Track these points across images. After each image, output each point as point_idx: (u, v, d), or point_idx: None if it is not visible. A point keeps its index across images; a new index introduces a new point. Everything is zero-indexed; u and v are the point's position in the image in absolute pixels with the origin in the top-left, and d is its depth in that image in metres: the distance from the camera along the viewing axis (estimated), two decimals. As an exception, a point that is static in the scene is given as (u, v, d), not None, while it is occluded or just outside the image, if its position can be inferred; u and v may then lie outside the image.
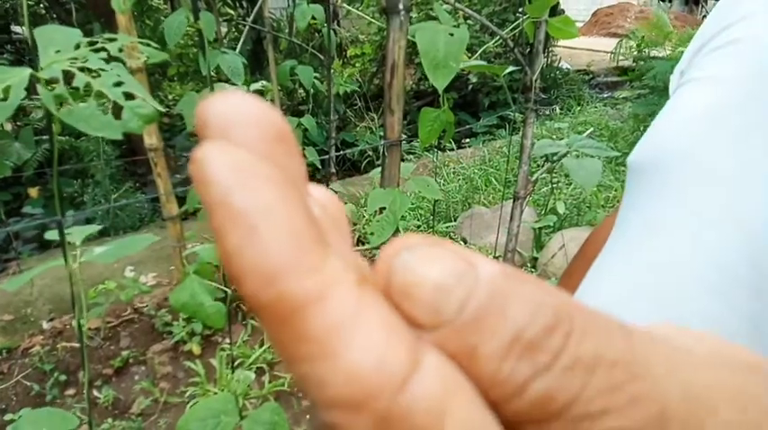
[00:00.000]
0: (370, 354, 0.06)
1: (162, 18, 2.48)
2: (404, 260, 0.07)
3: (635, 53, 4.34)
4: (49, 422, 0.50)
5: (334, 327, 0.06)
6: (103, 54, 0.41)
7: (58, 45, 0.41)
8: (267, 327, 0.07)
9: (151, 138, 1.52)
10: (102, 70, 0.40)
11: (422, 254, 0.07)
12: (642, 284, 0.26)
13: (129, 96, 0.40)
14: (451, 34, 0.72)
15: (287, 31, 2.14)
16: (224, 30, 1.96)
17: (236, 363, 1.59)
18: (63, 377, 1.62)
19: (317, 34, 2.50)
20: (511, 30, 0.98)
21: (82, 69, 0.39)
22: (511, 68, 1.12)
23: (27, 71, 0.39)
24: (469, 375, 0.07)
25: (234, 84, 1.14)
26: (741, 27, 0.28)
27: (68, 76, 0.39)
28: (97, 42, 0.42)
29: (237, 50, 1.43)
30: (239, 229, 0.06)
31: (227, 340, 1.65)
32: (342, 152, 2.26)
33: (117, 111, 0.40)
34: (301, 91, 2.77)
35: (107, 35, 0.44)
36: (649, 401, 0.07)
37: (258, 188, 0.07)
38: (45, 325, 1.79)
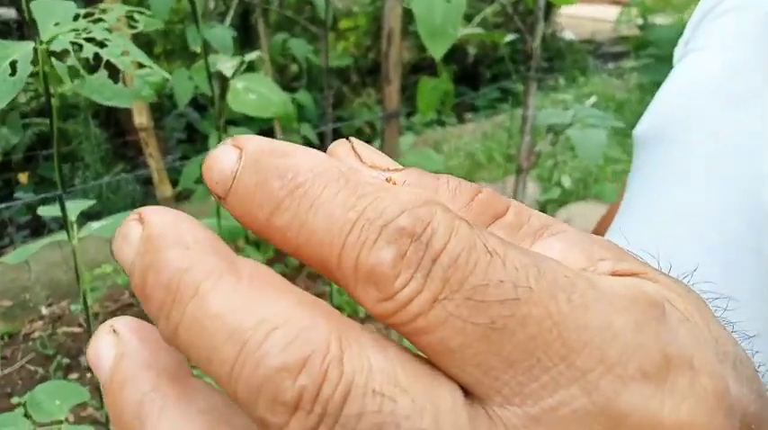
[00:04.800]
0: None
1: (148, -7, 2.39)
2: (214, 151, 0.09)
3: (639, 21, 4.23)
4: (63, 394, 0.52)
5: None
6: (105, 24, 0.41)
7: (57, 17, 0.40)
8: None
9: (142, 118, 1.47)
10: (108, 40, 0.40)
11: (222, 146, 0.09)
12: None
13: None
14: (449, 0, 0.68)
15: (276, 3, 2.06)
16: (211, 5, 1.88)
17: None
18: (66, 361, 1.65)
19: (307, 6, 2.41)
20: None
21: (88, 40, 0.39)
22: (511, 36, 1.07)
23: (30, 44, 0.38)
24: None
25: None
26: None
27: (77, 49, 0.39)
28: (93, 14, 0.42)
29: (227, 24, 1.37)
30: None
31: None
32: (338, 124, 2.22)
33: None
34: (294, 66, 2.70)
35: (103, 5, 0.44)
36: (526, 311, 0.07)
37: None
38: (44, 310, 1.80)
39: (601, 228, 0.44)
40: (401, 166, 0.09)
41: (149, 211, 0.08)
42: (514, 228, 0.09)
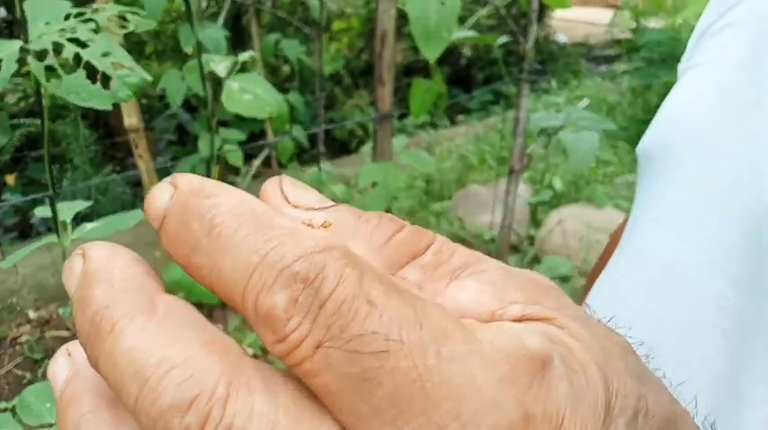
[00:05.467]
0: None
1: (140, -7, 2.38)
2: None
3: (632, 25, 4.27)
4: (52, 397, 0.52)
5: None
6: (92, 25, 0.41)
7: (48, 17, 0.40)
8: None
9: (132, 119, 1.45)
10: (91, 41, 0.40)
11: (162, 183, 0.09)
12: (653, 288, 0.27)
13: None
14: (443, 3, 0.68)
15: (269, 4, 2.06)
16: (203, 5, 1.87)
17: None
18: (51, 366, 1.62)
19: (300, 7, 2.40)
20: (504, -4, 0.92)
21: (71, 40, 0.39)
22: (504, 39, 1.07)
23: (17, 43, 0.38)
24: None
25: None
26: (740, 9, 0.29)
27: (57, 48, 0.39)
28: (85, 13, 0.42)
29: (219, 25, 1.36)
30: None
31: (220, 325, 1.63)
32: (331, 126, 2.21)
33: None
34: (286, 67, 2.69)
35: (95, 5, 0.44)
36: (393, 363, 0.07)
37: None
38: (32, 314, 1.78)
39: (617, 236, 0.45)
40: (329, 203, 0.09)
41: (90, 247, 0.09)
42: (431, 268, 0.09)
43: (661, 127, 0.30)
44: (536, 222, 1.98)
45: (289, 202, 0.10)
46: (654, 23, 3.74)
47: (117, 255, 0.09)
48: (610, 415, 0.08)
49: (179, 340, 0.07)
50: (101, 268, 0.08)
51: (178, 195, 0.09)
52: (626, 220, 0.46)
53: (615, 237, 0.44)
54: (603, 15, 5.82)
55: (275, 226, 0.08)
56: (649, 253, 0.28)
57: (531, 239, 1.95)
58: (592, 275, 0.45)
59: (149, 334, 0.07)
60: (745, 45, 0.28)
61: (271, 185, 0.10)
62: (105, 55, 0.39)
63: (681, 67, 0.33)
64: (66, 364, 0.09)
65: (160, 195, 0.09)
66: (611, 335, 0.09)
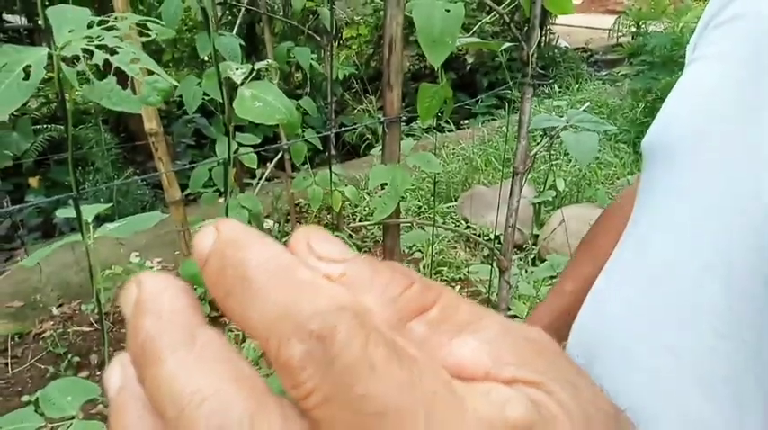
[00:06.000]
0: None
1: (154, 3, 2.45)
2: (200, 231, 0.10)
3: (633, 29, 4.28)
4: (74, 391, 0.53)
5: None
6: (117, 32, 0.42)
7: (71, 24, 0.42)
8: None
9: (151, 123, 1.52)
10: (119, 47, 0.41)
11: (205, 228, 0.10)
12: (651, 291, 0.27)
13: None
14: (448, 10, 0.72)
15: (281, 13, 2.12)
16: (218, 14, 1.93)
17: (242, 344, 1.62)
18: (76, 359, 1.65)
19: (311, 16, 2.47)
20: (507, 5, 0.98)
21: (99, 47, 0.40)
22: (507, 44, 1.11)
23: (45, 50, 0.39)
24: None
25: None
26: (743, 2, 0.29)
27: (88, 55, 0.40)
28: (108, 21, 0.43)
29: (234, 33, 1.42)
30: None
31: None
32: (341, 129, 2.25)
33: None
34: (298, 74, 2.75)
35: (116, 14, 0.45)
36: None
37: None
38: (55, 310, 1.83)
39: (595, 230, 0.46)
40: (350, 256, 0.11)
41: (146, 277, 0.10)
42: (437, 323, 0.10)
43: (664, 122, 0.30)
44: (539, 222, 2.01)
45: (312, 254, 0.11)
46: (654, 27, 3.76)
47: (168, 288, 0.09)
48: None
49: (212, 373, 0.09)
50: (152, 299, 0.09)
51: (218, 244, 0.09)
52: (605, 212, 0.47)
53: (597, 225, 0.46)
54: (604, 21, 5.83)
55: (297, 281, 0.09)
56: (649, 250, 0.28)
57: (535, 238, 1.97)
58: (585, 241, 0.47)
59: (188, 366, 0.09)
60: (748, 42, 0.27)
61: (300, 235, 0.11)
62: (134, 61, 0.41)
63: (687, 54, 0.33)
64: (118, 374, 0.10)
65: (205, 238, 0.10)
66: (596, 401, 0.10)
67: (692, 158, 0.27)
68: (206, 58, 1.41)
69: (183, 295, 0.10)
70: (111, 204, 0.61)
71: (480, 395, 0.09)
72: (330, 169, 1.37)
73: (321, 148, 1.50)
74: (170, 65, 2.51)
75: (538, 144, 1.21)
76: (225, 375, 0.09)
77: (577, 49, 5.10)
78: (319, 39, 1.86)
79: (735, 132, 0.26)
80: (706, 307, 0.25)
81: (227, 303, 0.09)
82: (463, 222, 2.11)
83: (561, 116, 1.12)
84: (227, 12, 2.02)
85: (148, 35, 0.48)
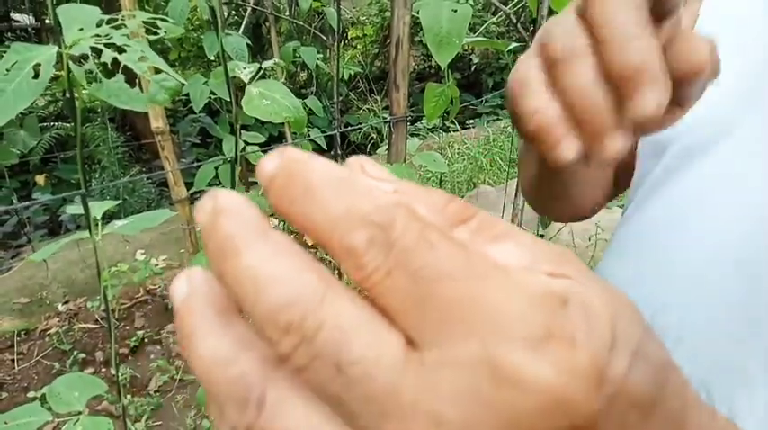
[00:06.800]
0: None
1: (161, 2, 2.47)
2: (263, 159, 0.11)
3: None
4: (81, 386, 0.54)
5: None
6: (125, 31, 0.42)
7: (81, 23, 0.42)
8: None
9: (158, 122, 1.52)
10: (128, 46, 0.41)
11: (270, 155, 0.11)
12: (659, 273, 0.28)
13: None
14: (455, 10, 0.72)
15: (287, 13, 2.13)
16: (225, 13, 1.94)
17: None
18: (81, 356, 1.66)
19: (317, 16, 2.48)
20: (514, 5, 0.97)
21: (108, 46, 0.40)
22: (514, 45, 1.11)
23: (54, 49, 0.39)
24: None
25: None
26: None
27: (97, 53, 0.40)
28: (117, 20, 0.43)
29: (240, 33, 1.42)
30: None
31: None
32: (347, 128, 2.25)
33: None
34: (303, 74, 2.76)
35: (124, 12, 0.45)
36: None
37: None
38: (60, 307, 1.84)
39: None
40: (397, 179, 0.12)
41: (219, 191, 0.11)
42: (477, 231, 0.11)
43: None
44: (544, 222, 2.01)
45: (364, 173, 0.12)
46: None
47: (241, 198, 0.11)
48: (615, 347, 0.10)
49: (286, 262, 0.10)
50: (229, 205, 0.10)
51: (284, 161, 0.10)
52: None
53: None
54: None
55: (357, 187, 0.10)
56: (644, 239, 0.29)
57: (541, 238, 1.97)
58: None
59: (265, 256, 0.10)
60: (753, 33, 0.27)
61: (354, 160, 0.13)
62: (142, 59, 0.41)
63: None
64: (185, 284, 0.11)
65: (269, 161, 0.11)
66: (620, 295, 0.11)
67: (700, 148, 0.27)
68: (213, 58, 1.42)
69: (253, 206, 0.11)
70: (118, 202, 0.61)
71: (524, 271, 0.10)
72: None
73: (326, 148, 1.50)
74: (176, 64, 2.52)
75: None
76: (297, 264, 0.10)
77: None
78: (325, 38, 1.86)
79: (744, 124, 0.26)
80: (713, 290, 0.26)
81: (292, 210, 0.10)
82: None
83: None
84: (234, 11, 2.03)
85: (156, 33, 0.48)
